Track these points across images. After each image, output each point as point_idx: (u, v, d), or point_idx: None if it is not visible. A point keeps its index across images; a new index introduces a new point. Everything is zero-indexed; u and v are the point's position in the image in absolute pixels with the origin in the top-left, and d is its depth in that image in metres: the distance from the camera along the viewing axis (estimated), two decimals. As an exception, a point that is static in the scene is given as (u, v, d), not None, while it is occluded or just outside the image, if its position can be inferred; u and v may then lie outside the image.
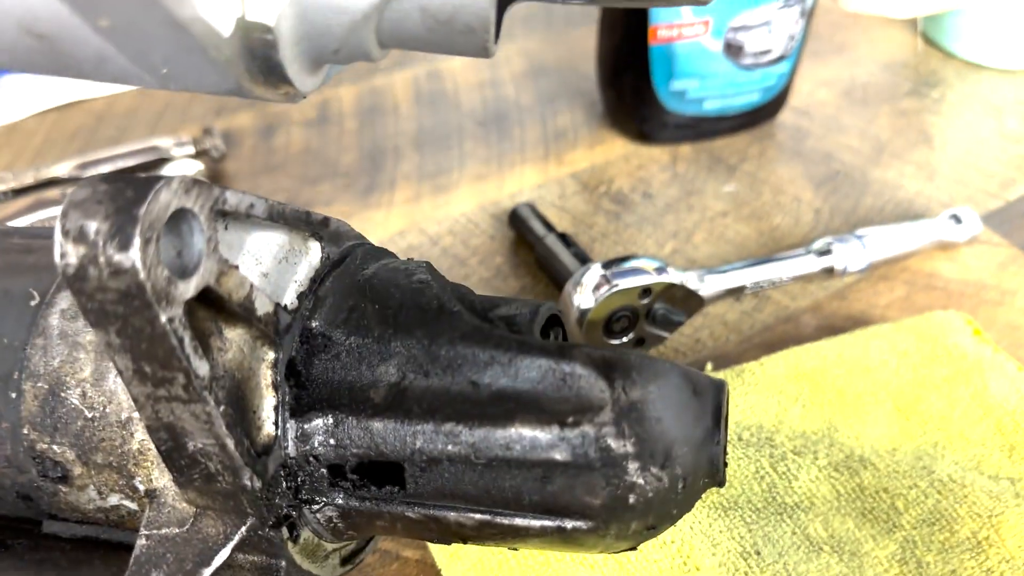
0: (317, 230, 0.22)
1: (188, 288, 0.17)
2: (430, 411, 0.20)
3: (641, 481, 0.20)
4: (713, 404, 0.21)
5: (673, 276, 0.35)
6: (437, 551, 0.27)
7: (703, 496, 0.27)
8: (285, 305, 0.21)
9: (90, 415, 0.21)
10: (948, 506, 0.28)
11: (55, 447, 0.22)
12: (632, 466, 0.19)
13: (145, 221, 0.16)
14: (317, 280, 0.22)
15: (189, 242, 0.17)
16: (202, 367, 0.18)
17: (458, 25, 0.17)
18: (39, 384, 0.22)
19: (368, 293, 0.22)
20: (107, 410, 0.21)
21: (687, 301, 0.35)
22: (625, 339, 0.35)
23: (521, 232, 0.40)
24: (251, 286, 0.19)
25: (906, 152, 0.48)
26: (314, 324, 0.21)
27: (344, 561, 0.24)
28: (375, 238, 0.41)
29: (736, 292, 0.37)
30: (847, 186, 0.45)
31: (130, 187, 0.16)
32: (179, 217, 0.17)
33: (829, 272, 0.38)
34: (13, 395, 0.22)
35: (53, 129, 0.47)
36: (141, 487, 0.21)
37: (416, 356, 0.21)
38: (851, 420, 0.31)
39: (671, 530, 0.26)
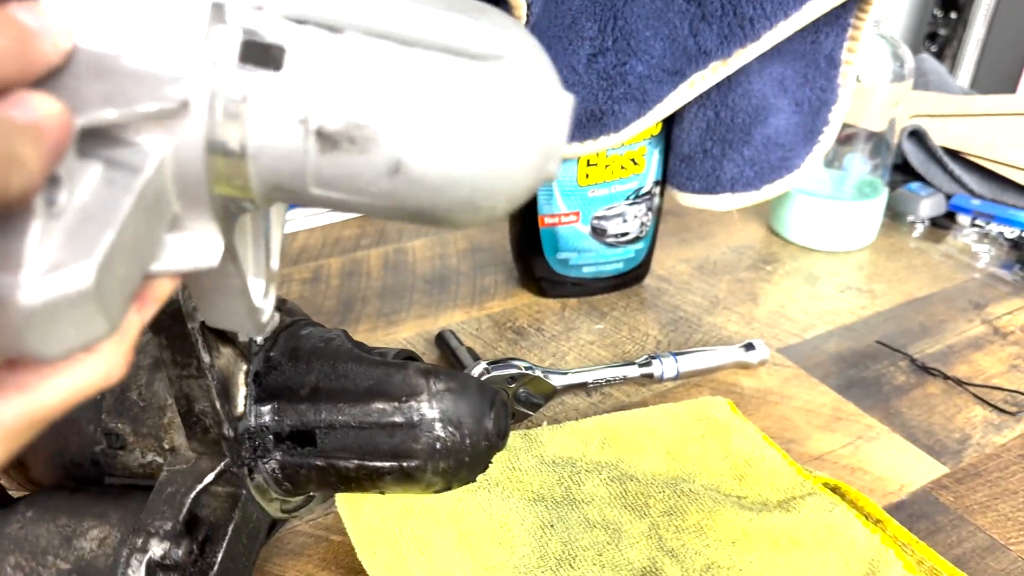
0: (280, 306, 0.39)
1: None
2: (330, 399, 0.37)
3: (443, 435, 0.35)
4: (488, 399, 0.37)
5: (532, 371, 0.51)
6: (352, 531, 0.42)
7: (520, 489, 0.42)
8: (256, 341, 0.38)
9: (142, 404, 0.38)
10: (683, 504, 0.43)
11: (119, 425, 0.38)
12: (437, 426, 0.36)
13: (187, 276, 0.33)
14: (277, 332, 0.39)
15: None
16: (206, 357, 0.34)
17: None
18: (114, 389, 0.38)
19: (302, 340, 0.39)
20: (152, 401, 0.38)
21: (544, 388, 0.52)
22: (499, 414, 0.51)
23: (442, 347, 0.57)
24: (238, 325, 0.36)
25: (735, 306, 0.65)
26: (272, 354, 0.38)
27: (284, 511, 0.40)
28: (339, 353, 0.58)
29: (582, 387, 0.53)
30: (684, 326, 0.62)
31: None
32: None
33: (650, 378, 0.54)
34: (99, 397, 0.39)
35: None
36: (167, 447, 0.37)
37: (325, 371, 0.37)
38: (632, 456, 0.46)
39: (494, 505, 0.41)
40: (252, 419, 0.37)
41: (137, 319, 0.23)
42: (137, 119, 0.20)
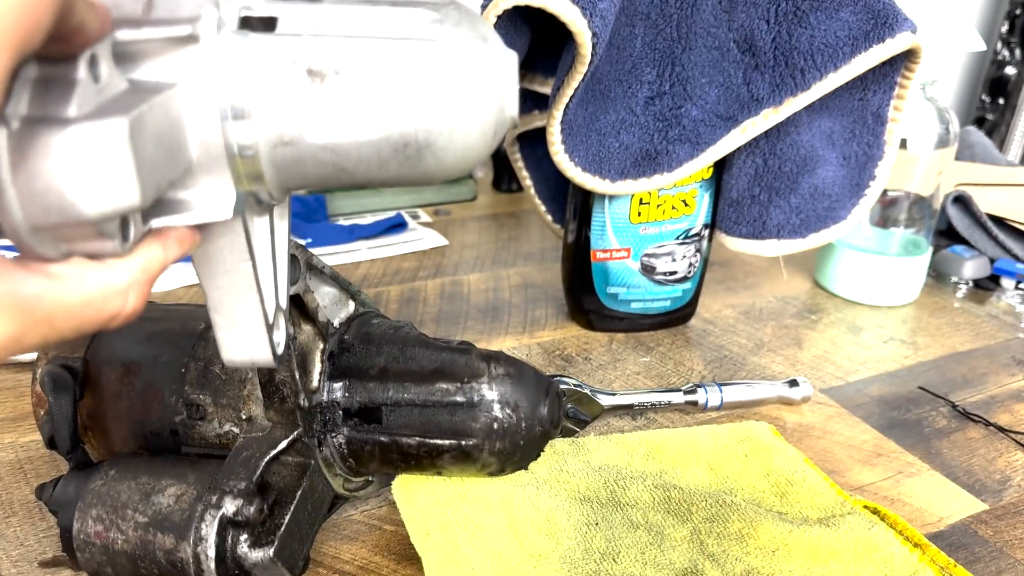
0: (356, 295, 0.43)
1: (293, 288, 0.37)
2: (397, 378, 0.39)
3: (500, 416, 0.38)
4: (544, 386, 0.39)
5: (582, 388, 0.53)
6: (406, 515, 0.44)
7: (567, 489, 0.44)
8: (333, 324, 0.41)
9: (224, 377, 0.41)
10: (725, 513, 0.44)
11: (201, 396, 0.41)
12: (496, 407, 0.38)
13: (280, 252, 0.36)
14: (351, 319, 0.42)
15: (296, 271, 0.38)
16: (290, 329, 0.37)
17: None
18: (199, 363, 0.42)
19: (374, 327, 0.42)
20: (233, 375, 0.41)
21: (591, 407, 0.54)
22: (547, 427, 0.53)
23: (493, 369, 0.60)
24: (318, 305, 0.39)
25: (779, 349, 0.67)
26: (346, 337, 0.41)
27: (345, 489, 0.42)
28: (396, 368, 0.61)
29: (628, 408, 0.55)
30: (729, 364, 0.64)
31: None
32: (291, 259, 0.38)
33: (694, 405, 0.56)
34: (183, 370, 0.42)
35: (196, 298, 0.70)
36: (244, 417, 0.40)
37: (394, 353, 0.40)
38: (676, 468, 0.47)
39: (542, 501, 0.43)
40: (324, 394, 0.40)
41: (160, 254, 0.26)
42: (157, 44, 0.25)
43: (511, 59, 0.28)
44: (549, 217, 0.72)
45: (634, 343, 0.66)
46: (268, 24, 0.26)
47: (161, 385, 0.42)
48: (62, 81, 0.22)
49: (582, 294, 0.67)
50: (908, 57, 0.60)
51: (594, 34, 0.52)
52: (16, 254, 0.24)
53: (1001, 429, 0.58)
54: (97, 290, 0.25)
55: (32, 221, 0.22)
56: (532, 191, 0.72)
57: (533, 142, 0.70)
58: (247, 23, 0.26)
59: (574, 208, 0.65)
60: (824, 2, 0.57)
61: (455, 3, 0.28)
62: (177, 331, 0.44)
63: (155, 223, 0.26)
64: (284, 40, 0.26)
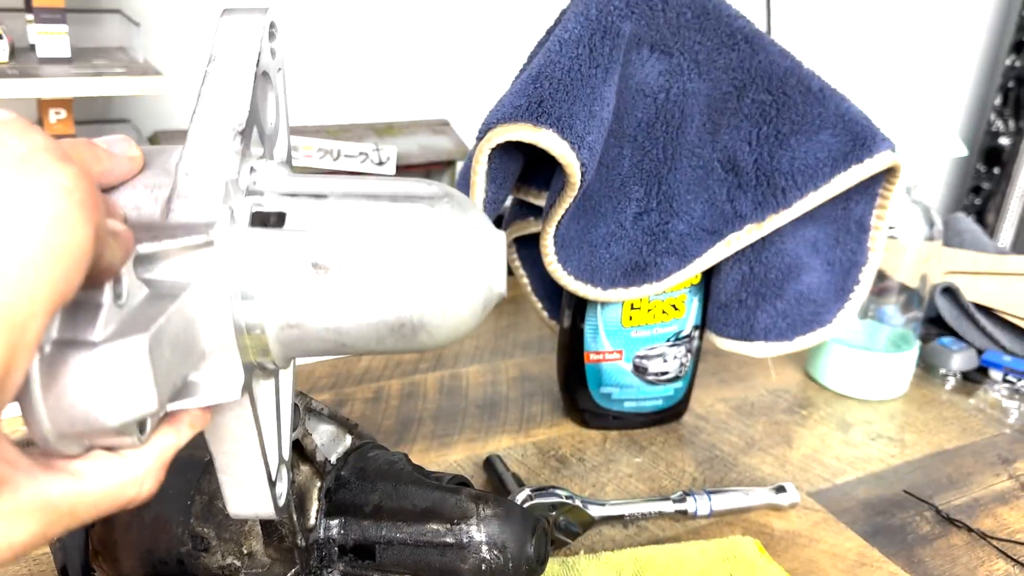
0: (352, 429, 0.45)
1: (293, 434, 0.40)
2: (391, 517, 0.41)
3: (488, 557, 0.40)
4: (530, 526, 0.41)
5: (572, 500, 0.55)
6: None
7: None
8: (331, 461, 0.43)
9: (227, 512, 0.43)
10: (707, 639, 0.46)
11: (205, 530, 0.43)
12: (484, 548, 0.40)
13: (280, 404, 0.39)
14: (348, 453, 0.44)
15: (296, 417, 0.40)
16: (291, 477, 0.40)
17: None
18: (204, 496, 0.44)
19: (369, 461, 0.44)
20: (236, 510, 0.43)
21: (582, 517, 0.55)
22: (539, 539, 0.55)
23: (489, 472, 0.62)
24: (316, 446, 0.42)
25: (770, 448, 0.68)
26: (342, 472, 0.43)
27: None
28: (395, 472, 0.63)
29: (619, 519, 0.57)
30: (720, 465, 0.66)
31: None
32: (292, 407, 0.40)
33: (684, 514, 0.58)
34: (189, 503, 0.44)
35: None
36: (245, 552, 0.42)
37: (388, 491, 0.42)
38: (662, 589, 0.49)
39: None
40: (321, 531, 0.42)
41: (173, 440, 0.29)
42: (175, 251, 0.27)
43: (499, 241, 0.31)
44: (545, 314, 0.75)
45: (627, 442, 0.68)
46: (278, 220, 0.29)
47: (168, 516, 0.44)
48: (88, 306, 0.25)
49: (577, 392, 0.69)
50: (888, 171, 0.62)
51: (582, 164, 0.54)
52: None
53: (983, 536, 0.59)
54: (116, 482, 0.27)
55: (59, 430, 0.25)
56: (528, 289, 0.74)
57: (529, 243, 0.73)
58: (258, 218, 0.29)
59: (568, 312, 0.67)
60: (804, 125, 0.60)
61: (448, 195, 0.30)
62: (183, 463, 0.46)
63: (169, 407, 0.28)
64: (292, 235, 0.29)
